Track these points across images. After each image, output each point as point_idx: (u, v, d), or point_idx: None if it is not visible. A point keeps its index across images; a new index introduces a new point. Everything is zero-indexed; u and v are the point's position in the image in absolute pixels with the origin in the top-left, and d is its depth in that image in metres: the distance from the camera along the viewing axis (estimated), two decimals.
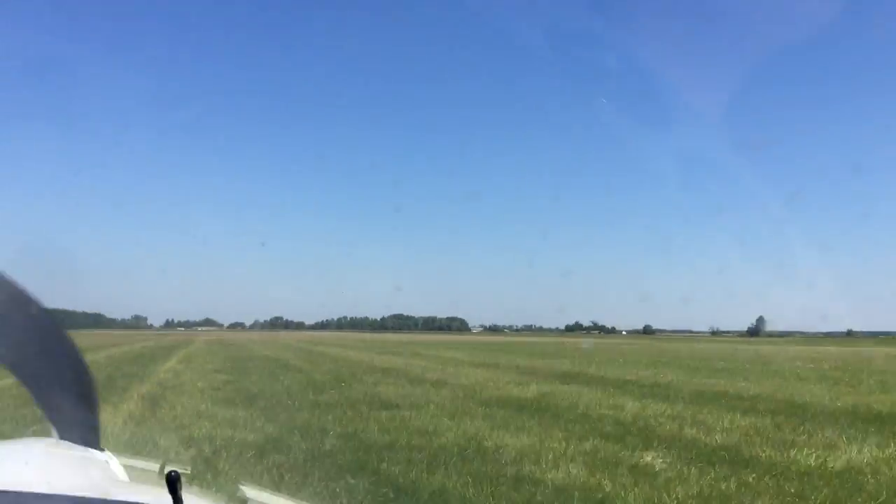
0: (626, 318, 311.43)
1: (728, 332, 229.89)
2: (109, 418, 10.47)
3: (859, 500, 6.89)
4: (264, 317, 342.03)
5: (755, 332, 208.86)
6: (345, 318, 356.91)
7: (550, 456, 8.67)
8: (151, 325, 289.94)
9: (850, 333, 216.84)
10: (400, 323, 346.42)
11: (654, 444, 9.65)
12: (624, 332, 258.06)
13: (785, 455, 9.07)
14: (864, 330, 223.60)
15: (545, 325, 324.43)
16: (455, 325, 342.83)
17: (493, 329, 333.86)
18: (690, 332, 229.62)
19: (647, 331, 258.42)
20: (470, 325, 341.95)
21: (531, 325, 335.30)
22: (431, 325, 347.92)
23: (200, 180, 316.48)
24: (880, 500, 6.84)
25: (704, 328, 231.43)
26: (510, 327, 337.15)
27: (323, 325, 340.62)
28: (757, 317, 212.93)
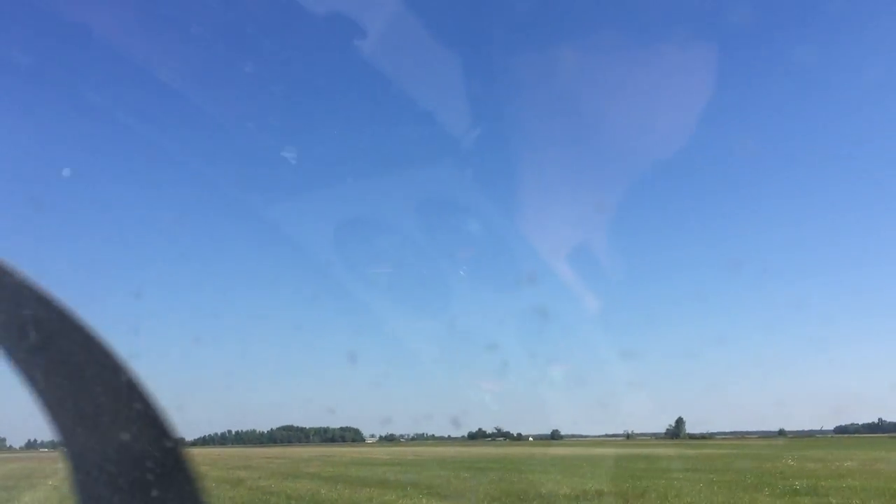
0: (531, 424, 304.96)
1: (645, 434, 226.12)
2: None
3: None
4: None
5: (675, 434, 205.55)
6: (229, 431, 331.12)
7: None
8: (10, 447, 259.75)
9: (781, 433, 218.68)
10: (290, 435, 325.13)
11: None
12: (531, 438, 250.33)
13: None
14: (798, 429, 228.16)
15: (445, 434, 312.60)
16: (349, 436, 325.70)
17: (389, 438, 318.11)
18: (603, 436, 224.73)
19: (555, 436, 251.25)
20: (364, 436, 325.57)
21: (425, 434, 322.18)
22: (324, 436, 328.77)
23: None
24: None
25: (620, 431, 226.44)
26: (404, 436, 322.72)
27: (205, 441, 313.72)
28: (675, 419, 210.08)
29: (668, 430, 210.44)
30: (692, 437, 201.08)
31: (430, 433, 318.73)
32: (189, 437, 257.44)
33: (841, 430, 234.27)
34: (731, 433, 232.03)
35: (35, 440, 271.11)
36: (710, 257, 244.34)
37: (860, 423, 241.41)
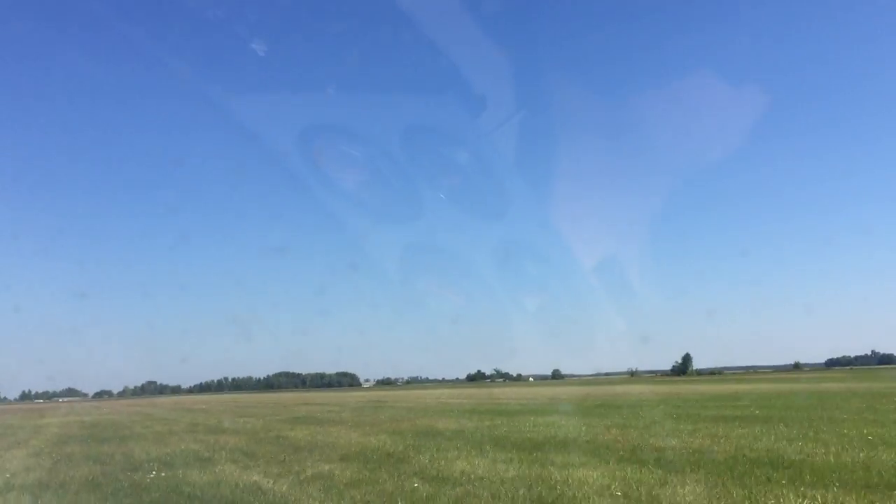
0: (531, 364, 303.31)
1: (650, 371, 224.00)
2: None
3: None
4: (135, 381, 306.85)
5: (681, 370, 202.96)
6: (226, 378, 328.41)
7: None
8: (5, 398, 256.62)
9: (797, 366, 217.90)
10: (287, 381, 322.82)
11: None
12: (531, 379, 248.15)
13: None
14: (814, 361, 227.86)
15: (444, 377, 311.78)
16: (346, 381, 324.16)
17: (386, 382, 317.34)
18: (605, 374, 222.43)
19: (556, 376, 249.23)
20: (361, 380, 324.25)
21: (419, 377, 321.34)
22: (320, 381, 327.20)
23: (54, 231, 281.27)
24: None
25: (623, 369, 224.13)
26: (399, 380, 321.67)
27: (202, 388, 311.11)
28: (682, 354, 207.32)
29: (674, 366, 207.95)
30: (700, 372, 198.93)
31: (424, 376, 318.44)
32: (186, 385, 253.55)
33: (833, 362, 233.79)
34: (743, 368, 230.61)
35: (30, 390, 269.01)
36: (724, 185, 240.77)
37: (852, 355, 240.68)
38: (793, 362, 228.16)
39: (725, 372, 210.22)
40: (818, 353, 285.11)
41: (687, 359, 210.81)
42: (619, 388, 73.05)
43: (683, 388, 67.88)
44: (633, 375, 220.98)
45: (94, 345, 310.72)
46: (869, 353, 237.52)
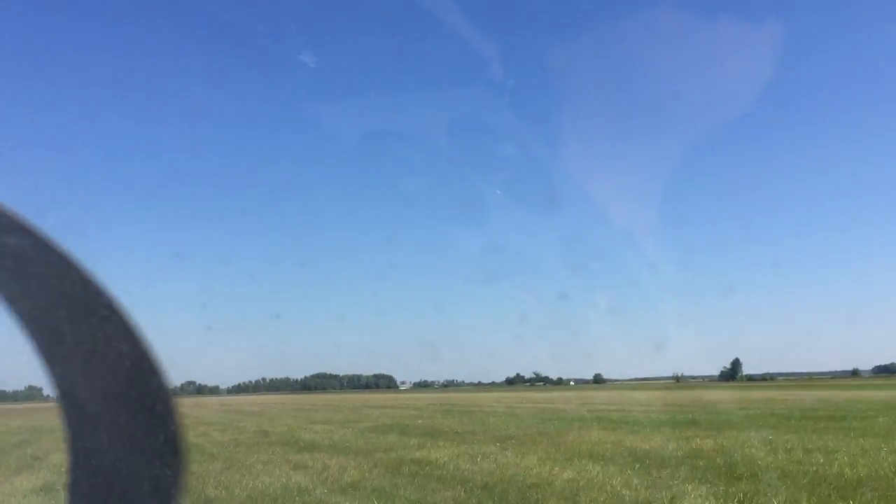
0: (571, 368, 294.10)
1: (697, 377, 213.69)
2: None
3: None
4: (175, 381, 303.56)
5: (730, 376, 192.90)
6: (263, 379, 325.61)
7: None
8: (48, 396, 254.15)
9: (855, 373, 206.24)
10: (324, 382, 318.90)
11: None
12: (572, 383, 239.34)
13: None
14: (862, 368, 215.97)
15: (475, 380, 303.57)
16: (382, 383, 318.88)
17: (423, 385, 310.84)
18: (650, 378, 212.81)
19: (598, 380, 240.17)
20: (398, 382, 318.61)
21: (455, 380, 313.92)
22: (357, 383, 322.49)
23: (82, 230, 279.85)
24: None
25: (668, 374, 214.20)
26: (436, 383, 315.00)
27: (240, 389, 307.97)
28: (732, 360, 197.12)
29: (722, 371, 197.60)
30: (751, 378, 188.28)
31: (460, 380, 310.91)
32: (224, 385, 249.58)
33: (881, 369, 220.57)
34: (794, 374, 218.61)
35: (39, 387, 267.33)
36: (770, 193, 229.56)
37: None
38: (850, 368, 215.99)
39: (778, 378, 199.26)
40: (864, 361, 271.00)
41: (736, 364, 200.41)
42: (705, 395, 64.74)
43: (763, 394, 59.85)
44: (679, 381, 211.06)
45: None
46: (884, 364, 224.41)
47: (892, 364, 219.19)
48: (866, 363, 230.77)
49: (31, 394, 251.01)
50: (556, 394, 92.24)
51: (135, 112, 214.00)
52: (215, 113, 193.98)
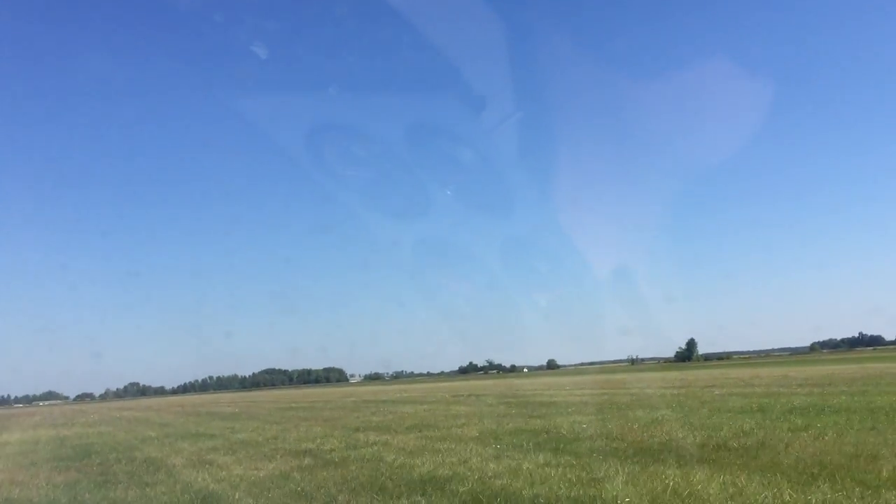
0: (524, 355, 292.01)
1: (653, 359, 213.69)
2: None
3: None
4: (117, 384, 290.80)
5: (685, 357, 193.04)
6: (210, 377, 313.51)
7: None
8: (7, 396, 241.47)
9: (813, 348, 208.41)
10: (273, 378, 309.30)
11: None
12: (525, 370, 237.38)
13: None
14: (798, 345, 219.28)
15: (424, 370, 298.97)
16: (333, 377, 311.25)
17: (374, 377, 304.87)
18: (609, 362, 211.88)
19: (552, 366, 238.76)
20: (348, 375, 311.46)
21: (405, 371, 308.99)
22: (307, 378, 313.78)
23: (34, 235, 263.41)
24: None
25: (621, 357, 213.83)
26: (386, 374, 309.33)
27: (186, 388, 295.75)
28: (686, 340, 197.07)
29: (678, 352, 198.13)
30: (707, 358, 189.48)
31: (409, 370, 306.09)
32: (169, 385, 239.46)
33: (821, 345, 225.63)
34: (754, 352, 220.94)
35: (8, 395, 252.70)
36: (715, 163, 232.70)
37: (838, 338, 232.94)
38: (808, 344, 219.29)
39: (735, 357, 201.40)
40: (802, 338, 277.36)
41: (692, 344, 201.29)
42: (634, 377, 62.71)
43: (735, 373, 58.12)
44: (634, 364, 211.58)
45: (72, 346, 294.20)
46: (856, 334, 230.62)
47: (831, 339, 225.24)
48: (804, 340, 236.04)
49: (50, 395, 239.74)
50: (549, 380, 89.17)
51: (69, 102, 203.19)
52: (157, 105, 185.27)
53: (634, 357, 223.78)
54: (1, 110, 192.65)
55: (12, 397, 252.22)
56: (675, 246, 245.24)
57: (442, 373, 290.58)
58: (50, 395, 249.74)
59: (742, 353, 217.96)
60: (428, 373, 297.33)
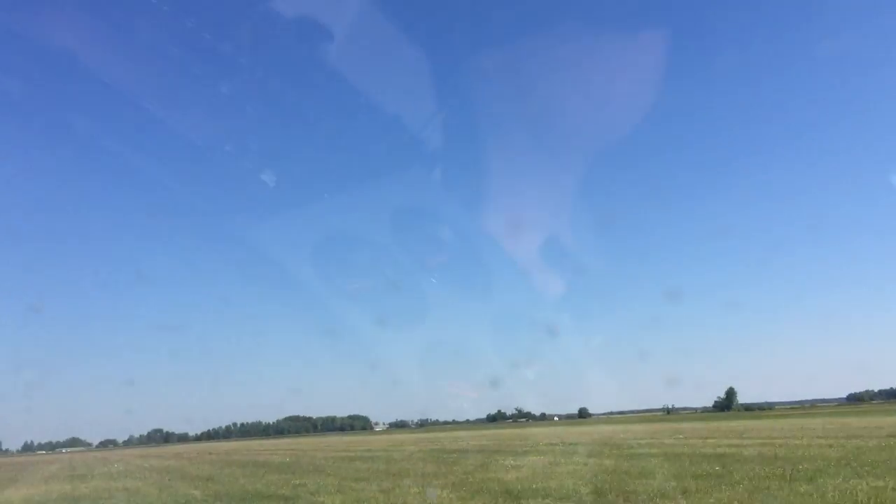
0: (553, 403, 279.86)
1: (689, 408, 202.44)
2: None
3: None
4: (140, 430, 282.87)
5: (725, 406, 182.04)
6: (234, 424, 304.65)
7: None
8: (7, 450, 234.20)
9: (859, 399, 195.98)
10: (297, 425, 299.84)
11: None
12: (556, 418, 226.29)
13: None
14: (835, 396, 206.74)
15: (454, 418, 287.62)
16: (358, 425, 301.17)
17: (399, 425, 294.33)
18: (643, 411, 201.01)
19: (583, 414, 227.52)
20: (373, 423, 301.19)
21: (429, 419, 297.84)
22: (331, 425, 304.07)
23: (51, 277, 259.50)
24: None
25: (656, 406, 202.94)
26: (411, 422, 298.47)
27: (210, 435, 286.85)
28: (726, 388, 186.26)
29: (717, 402, 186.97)
30: (748, 408, 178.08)
31: (433, 418, 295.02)
32: (192, 432, 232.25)
33: (854, 397, 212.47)
34: (797, 402, 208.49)
35: (32, 441, 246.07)
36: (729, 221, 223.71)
37: (875, 389, 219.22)
38: (845, 394, 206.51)
39: (777, 406, 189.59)
40: (836, 389, 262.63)
41: (731, 393, 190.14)
42: (745, 425, 54.13)
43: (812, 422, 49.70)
44: (670, 413, 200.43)
45: (96, 394, 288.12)
46: (892, 387, 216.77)
47: (867, 391, 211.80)
48: (840, 391, 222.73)
49: (74, 442, 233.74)
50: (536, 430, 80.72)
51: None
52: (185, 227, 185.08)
53: (670, 406, 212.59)
54: None
55: (35, 443, 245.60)
56: (717, 289, 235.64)
57: (467, 420, 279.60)
58: (74, 442, 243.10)
59: (788, 402, 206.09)
60: (454, 420, 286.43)
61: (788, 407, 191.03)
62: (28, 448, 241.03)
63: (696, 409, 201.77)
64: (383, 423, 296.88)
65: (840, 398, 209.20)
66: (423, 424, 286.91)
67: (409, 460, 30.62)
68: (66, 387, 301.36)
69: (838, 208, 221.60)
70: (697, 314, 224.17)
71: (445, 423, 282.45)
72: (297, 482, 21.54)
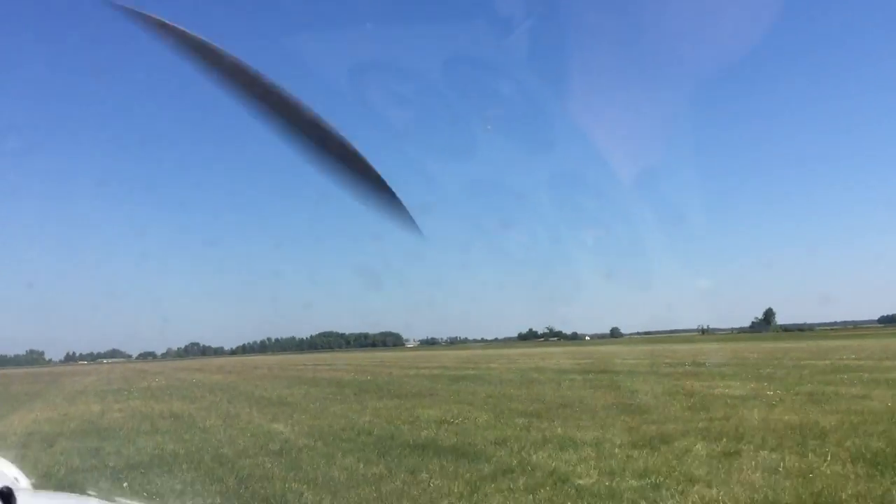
0: (585, 322, 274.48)
1: (726, 329, 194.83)
2: None
3: None
4: (178, 343, 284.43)
5: (762, 326, 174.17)
6: (269, 339, 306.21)
7: None
8: (50, 360, 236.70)
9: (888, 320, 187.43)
10: (330, 341, 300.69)
11: None
12: (588, 337, 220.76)
13: None
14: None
15: (483, 336, 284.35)
16: (390, 341, 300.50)
17: (430, 342, 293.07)
18: (678, 331, 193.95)
19: (615, 334, 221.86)
20: (404, 339, 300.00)
21: (459, 337, 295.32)
22: (364, 341, 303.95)
23: (91, 195, 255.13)
24: None
25: (691, 326, 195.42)
26: (442, 339, 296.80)
27: (245, 349, 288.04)
28: (765, 309, 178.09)
29: (753, 322, 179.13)
30: (786, 329, 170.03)
31: (463, 336, 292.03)
32: (228, 346, 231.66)
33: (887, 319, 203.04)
34: (841, 323, 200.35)
35: (74, 352, 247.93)
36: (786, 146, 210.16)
37: None
38: (877, 317, 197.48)
39: (817, 329, 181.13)
40: (871, 310, 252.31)
41: (769, 314, 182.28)
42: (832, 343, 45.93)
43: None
44: (705, 333, 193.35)
45: (138, 307, 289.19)
46: None
47: None
48: (873, 313, 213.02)
49: (34, 357, 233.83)
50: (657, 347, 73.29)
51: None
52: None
53: (705, 326, 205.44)
54: None
55: (77, 354, 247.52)
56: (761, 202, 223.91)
57: (496, 339, 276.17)
58: (114, 353, 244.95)
59: (829, 323, 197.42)
60: (483, 339, 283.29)
61: (828, 328, 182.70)
62: (70, 358, 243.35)
63: (732, 330, 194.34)
64: (414, 340, 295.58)
65: (872, 320, 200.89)
66: (454, 342, 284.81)
67: (553, 383, 22.73)
68: (107, 300, 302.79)
69: None
70: (742, 235, 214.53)
71: (475, 341, 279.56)
72: (430, 413, 13.85)
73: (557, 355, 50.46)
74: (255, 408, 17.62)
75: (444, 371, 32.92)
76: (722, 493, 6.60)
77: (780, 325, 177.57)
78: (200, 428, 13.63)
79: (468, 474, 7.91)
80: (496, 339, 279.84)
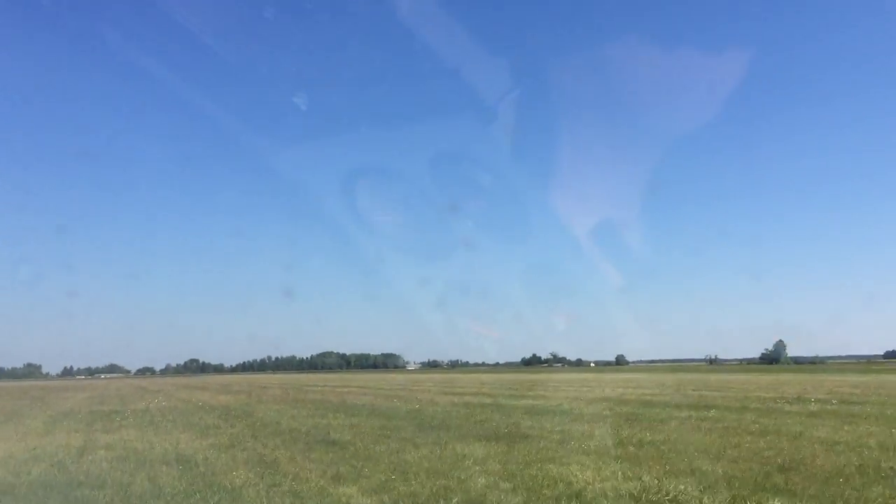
0: (589, 349, 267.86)
1: (733, 360, 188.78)
2: None
3: None
4: (177, 360, 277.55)
5: (772, 358, 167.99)
6: (269, 358, 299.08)
7: None
8: (47, 374, 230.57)
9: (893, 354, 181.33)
10: (331, 361, 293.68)
11: None
12: (592, 364, 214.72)
13: None
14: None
15: (484, 360, 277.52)
16: (390, 363, 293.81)
17: (432, 365, 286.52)
18: (684, 360, 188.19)
19: (620, 361, 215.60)
20: (405, 361, 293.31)
21: (460, 361, 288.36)
22: (365, 362, 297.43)
23: (95, 209, 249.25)
24: None
25: (698, 356, 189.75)
26: (443, 363, 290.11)
27: (245, 367, 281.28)
28: (775, 341, 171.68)
29: (764, 354, 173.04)
30: (797, 361, 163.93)
31: (464, 360, 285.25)
32: (228, 363, 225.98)
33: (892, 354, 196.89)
34: (855, 357, 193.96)
35: (71, 367, 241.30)
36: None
37: None
38: (882, 351, 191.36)
39: (828, 361, 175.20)
40: (877, 345, 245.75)
41: (780, 346, 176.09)
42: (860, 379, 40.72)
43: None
44: (713, 364, 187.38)
45: (135, 322, 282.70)
46: None
47: None
48: (880, 347, 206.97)
49: (30, 371, 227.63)
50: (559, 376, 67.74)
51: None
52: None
53: (713, 357, 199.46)
54: None
55: (75, 369, 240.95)
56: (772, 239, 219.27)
57: (497, 364, 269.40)
58: (112, 368, 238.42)
59: (843, 357, 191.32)
60: (483, 363, 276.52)
61: (841, 362, 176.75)
62: (67, 373, 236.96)
63: (741, 361, 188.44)
64: (414, 363, 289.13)
65: (877, 354, 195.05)
66: (455, 365, 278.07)
67: (712, 423, 17.62)
68: (105, 314, 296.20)
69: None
70: (746, 262, 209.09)
71: (475, 364, 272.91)
72: (582, 476, 8.78)
73: (639, 381, 44.93)
74: (296, 448, 12.50)
75: (515, 399, 27.46)
76: None
77: (791, 357, 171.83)
78: (227, 489, 8.55)
79: None
80: (497, 364, 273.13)
